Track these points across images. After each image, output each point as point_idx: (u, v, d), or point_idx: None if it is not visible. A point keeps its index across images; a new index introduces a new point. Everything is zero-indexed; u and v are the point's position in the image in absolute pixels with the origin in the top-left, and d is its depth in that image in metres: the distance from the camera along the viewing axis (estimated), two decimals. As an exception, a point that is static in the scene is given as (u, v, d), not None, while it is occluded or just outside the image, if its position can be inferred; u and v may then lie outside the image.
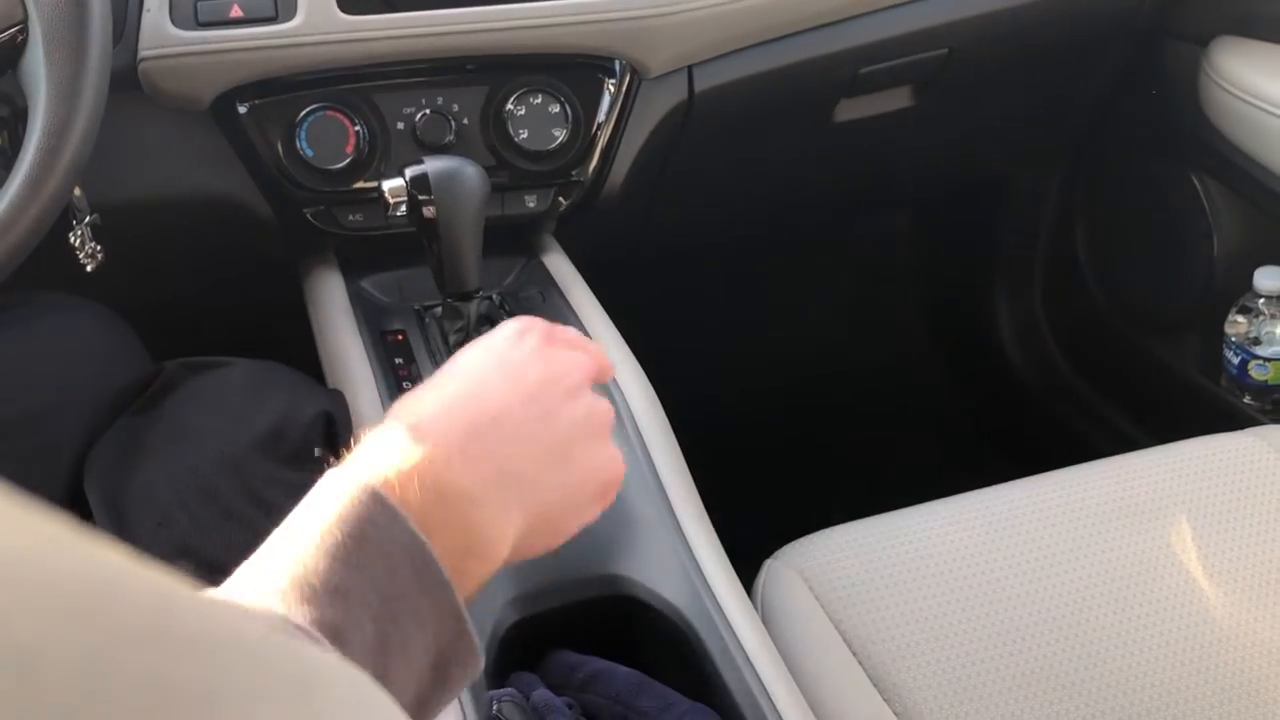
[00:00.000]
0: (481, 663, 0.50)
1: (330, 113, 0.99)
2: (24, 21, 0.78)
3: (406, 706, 0.46)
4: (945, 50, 1.18)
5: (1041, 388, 1.69)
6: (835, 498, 1.18)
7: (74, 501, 0.81)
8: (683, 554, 0.76)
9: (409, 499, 0.48)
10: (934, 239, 1.78)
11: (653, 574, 0.74)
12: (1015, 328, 1.71)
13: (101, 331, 0.97)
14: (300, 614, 0.44)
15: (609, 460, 0.58)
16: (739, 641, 0.71)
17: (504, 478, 0.52)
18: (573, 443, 0.56)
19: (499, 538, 0.51)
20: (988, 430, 1.75)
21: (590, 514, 0.57)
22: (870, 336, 1.75)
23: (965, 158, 1.49)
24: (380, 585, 0.46)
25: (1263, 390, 1.34)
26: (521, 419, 0.54)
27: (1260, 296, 1.31)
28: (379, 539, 0.46)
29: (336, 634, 0.44)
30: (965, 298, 1.76)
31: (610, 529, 0.77)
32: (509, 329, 0.58)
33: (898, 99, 1.25)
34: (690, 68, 1.07)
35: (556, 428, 0.55)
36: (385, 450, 0.50)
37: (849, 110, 1.22)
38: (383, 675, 0.45)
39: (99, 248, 0.94)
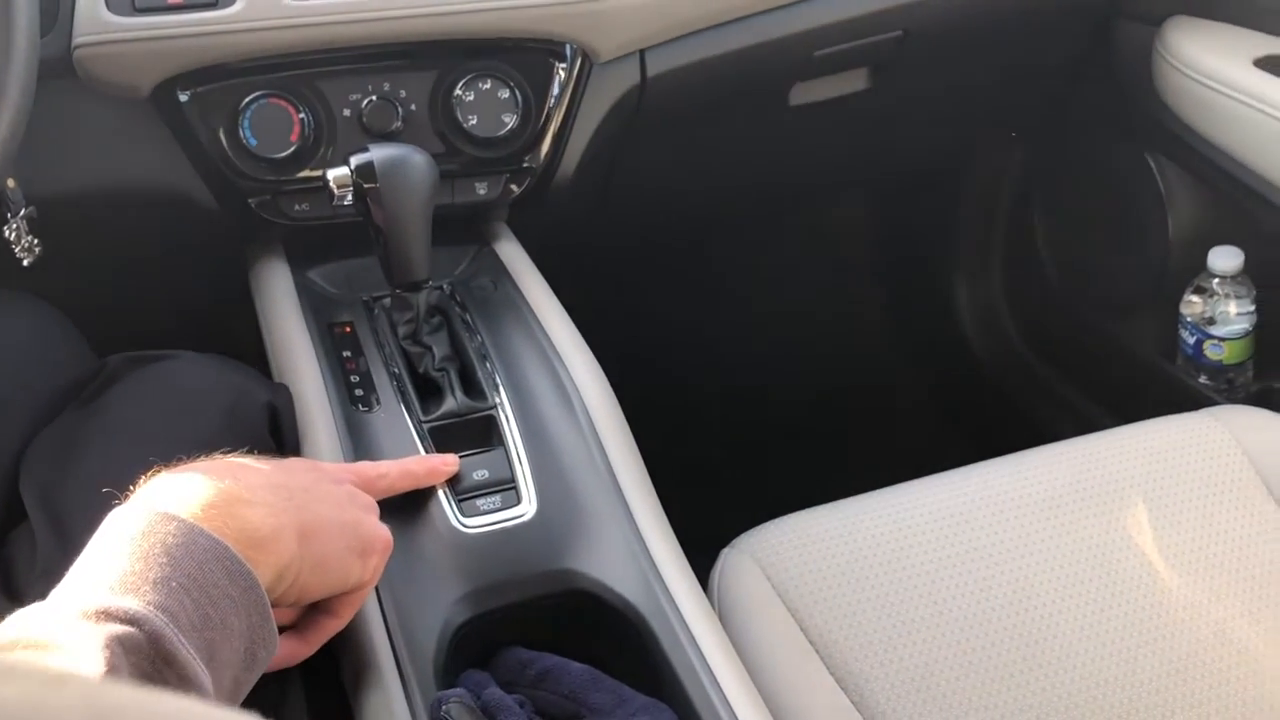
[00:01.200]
0: (278, 645, 0.58)
1: (274, 100, 0.96)
2: (-54, 9, 0.75)
3: (228, 686, 0.54)
4: (900, 32, 1.17)
5: (1001, 369, 1.69)
6: (793, 484, 1.17)
7: (10, 505, 0.79)
8: (636, 547, 0.75)
9: (195, 514, 0.56)
10: (892, 222, 1.78)
11: (606, 568, 0.73)
12: (974, 310, 1.71)
13: (41, 328, 0.95)
14: (131, 600, 0.50)
15: (376, 525, 0.67)
16: (692, 636, 0.70)
17: (275, 488, 0.61)
18: (342, 498, 0.66)
19: (276, 535, 0.59)
20: (948, 412, 1.75)
21: (353, 565, 0.64)
22: (828, 320, 1.75)
23: (922, 140, 1.49)
24: (194, 576, 0.53)
25: (1218, 370, 1.35)
26: (288, 469, 0.65)
27: (1215, 277, 1.32)
28: (182, 544, 0.54)
29: (166, 610, 0.51)
30: (924, 280, 1.76)
31: (563, 523, 0.76)
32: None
33: (853, 82, 1.24)
34: (642, 52, 1.06)
35: (327, 482, 0.67)
36: (164, 484, 0.58)
37: (804, 94, 1.22)
38: (211, 653, 0.52)
39: (36, 241, 0.91)
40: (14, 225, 0.89)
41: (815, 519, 0.95)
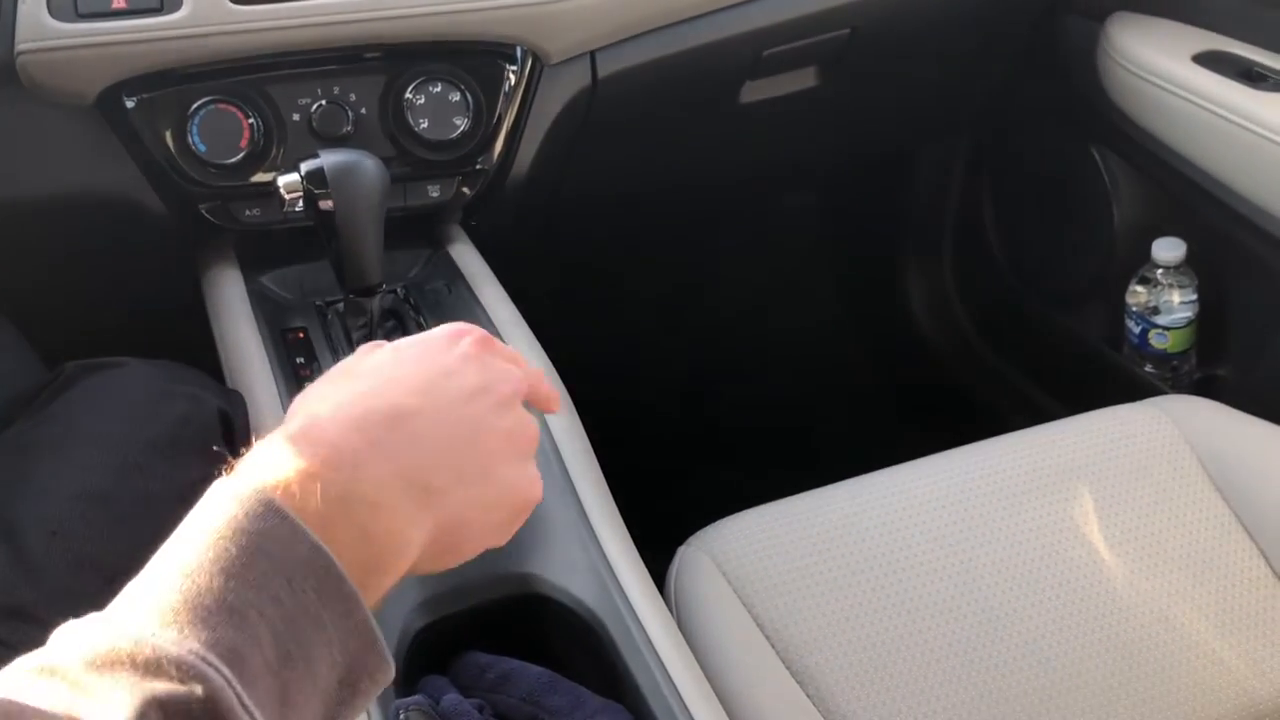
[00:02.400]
0: (392, 672, 0.48)
1: (222, 105, 0.96)
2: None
3: (316, 716, 0.45)
4: (848, 30, 1.18)
5: (953, 360, 1.71)
6: (749, 480, 1.18)
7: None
8: (592, 550, 0.76)
9: (307, 507, 0.45)
10: (843, 216, 1.79)
11: (562, 572, 0.74)
12: (926, 301, 1.73)
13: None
14: (194, 636, 0.42)
15: (529, 481, 0.55)
16: (648, 637, 0.71)
17: (411, 486, 0.49)
18: (493, 458, 0.53)
19: (403, 547, 0.48)
20: (901, 403, 1.77)
21: (500, 536, 0.54)
22: (781, 315, 1.76)
23: (871, 135, 1.50)
24: (281, 601, 0.44)
25: (1162, 359, 1.38)
26: (438, 422, 0.51)
27: (1159, 267, 1.34)
28: (276, 553, 0.44)
29: (234, 655, 0.42)
30: (876, 273, 1.77)
31: (520, 527, 0.77)
32: (443, 331, 0.56)
33: (803, 79, 1.25)
34: (593, 53, 1.06)
35: (478, 440, 0.53)
36: (280, 454, 0.47)
37: (754, 92, 1.22)
38: (284, 696, 0.43)
39: (-18, 251, 0.90)
40: (-41, 235, 0.88)
41: (770, 514, 0.96)
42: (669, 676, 0.68)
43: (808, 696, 0.85)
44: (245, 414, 0.85)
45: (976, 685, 0.88)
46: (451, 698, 0.66)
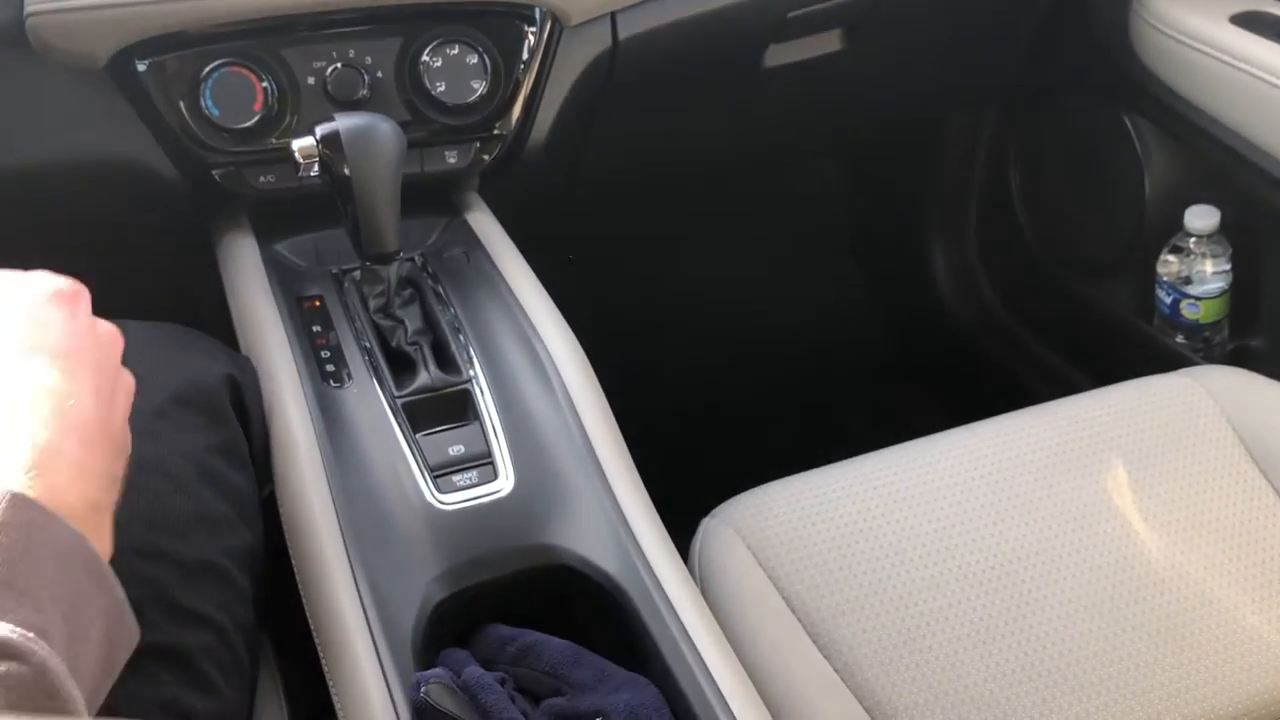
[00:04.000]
0: (138, 636, 0.52)
1: (236, 69, 0.94)
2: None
3: (90, 692, 0.47)
4: (874, -8, 1.16)
5: (978, 331, 1.69)
6: (772, 451, 1.17)
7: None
8: (616, 521, 0.74)
9: (56, 501, 0.48)
10: (867, 184, 1.77)
11: (586, 542, 0.72)
12: (951, 272, 1.70)
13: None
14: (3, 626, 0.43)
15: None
16: (674, 609, 0.69)
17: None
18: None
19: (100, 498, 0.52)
20: (925, 376, 1.75)
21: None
22: (804, 284, 1.74)
23: (897, 101, 1.47)
24: (60, 581, 0.47)
25: (1194, 329, 1.35)
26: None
27: (1191, 236, 1.31)
28: (45, 540, 0.47)
29: (41, 634, 0.44)
30: (900, 243, 1.75)
31: (541, 498, 0.75)
32: None
33: (827, 43, 1.22)
34: (613, 15, 1.04)
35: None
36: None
37: (778, 56, 1.20)
38: (74, 665, 0.46)
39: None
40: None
41: (794, 486, 0.94)
42: (695, 648, 0.67)
43: (835, 670, 0.84)
44: (255, 379, 0.83)
45: (1006, 659, 0.86)
46: (473, 670, 0.64)
